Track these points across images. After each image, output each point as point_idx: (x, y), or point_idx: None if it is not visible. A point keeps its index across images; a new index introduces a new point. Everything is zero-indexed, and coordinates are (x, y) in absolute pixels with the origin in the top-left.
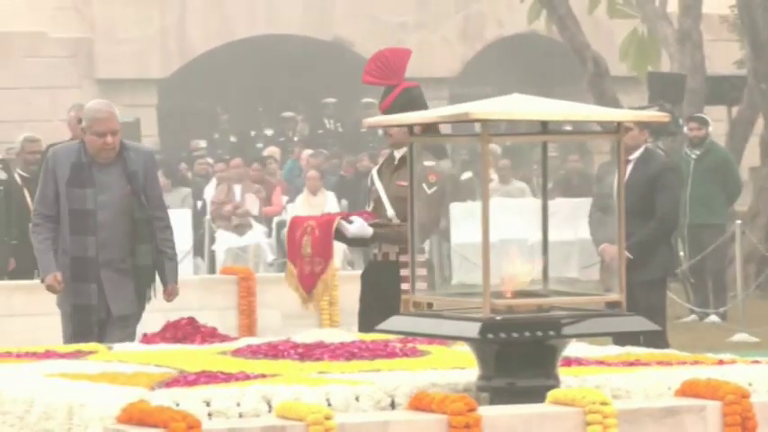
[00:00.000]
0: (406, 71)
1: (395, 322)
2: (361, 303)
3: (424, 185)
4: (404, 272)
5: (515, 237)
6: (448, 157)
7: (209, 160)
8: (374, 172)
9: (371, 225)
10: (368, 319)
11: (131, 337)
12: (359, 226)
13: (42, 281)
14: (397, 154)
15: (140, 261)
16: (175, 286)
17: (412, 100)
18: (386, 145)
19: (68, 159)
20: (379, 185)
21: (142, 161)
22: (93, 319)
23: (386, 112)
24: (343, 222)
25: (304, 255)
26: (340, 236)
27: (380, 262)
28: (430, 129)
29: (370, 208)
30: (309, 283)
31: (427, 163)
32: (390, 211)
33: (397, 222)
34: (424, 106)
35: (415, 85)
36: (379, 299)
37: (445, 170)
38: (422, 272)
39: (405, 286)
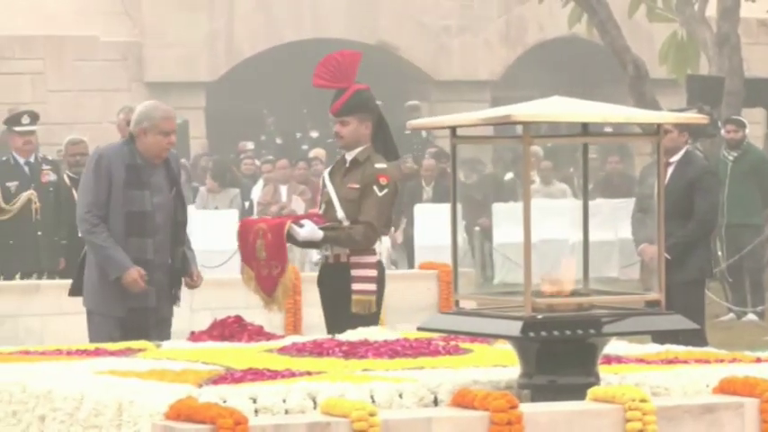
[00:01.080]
0: (356, 73)
1: (438, 321)
2: (322, 307)
3: (375, 188)
4: (354, 272)
5: (556, 237)
6: (400, 157)
7: (257, 162)
8: (326, 174)
9: (322, 228)
10: (330, 322)
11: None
12: (309, 230)
13: (119, 278)
14: (348, 156)
15: (177, 263)
16: (199, 272)
17: (363, 101)
18: (429, 146)
19: (122, 161)
20: (330, 187)
21: (176, 164)
22: (151, 322)
23: (337, 114)
24: (294, 226)
25: (259, 258)
26: (292, 239)
27: (332, 264)
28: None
29: (321, 210)
30: (269, 286)
31: (378, 165)
32: (341, 213)
33: (347, 225)
34: (375, 108)
35: (365, 87)
36: (334, 300)
37: (396, 172)
38: (371, 272)
39: (356, 287)
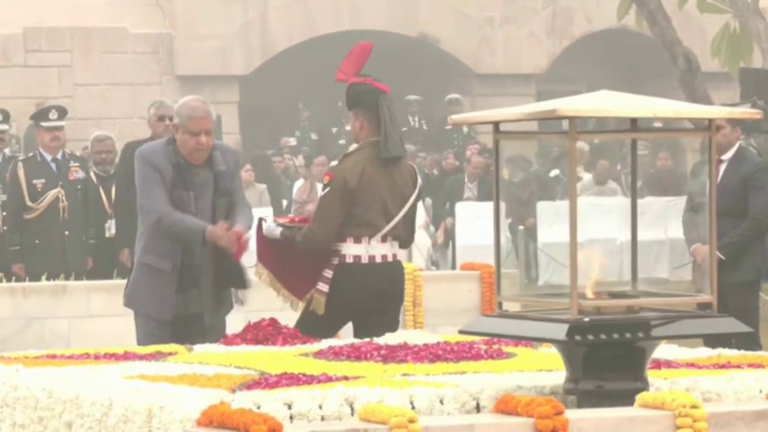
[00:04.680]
0: (361, 67)
1: (480, 324)
2: None
3: (320, 186)
4: (322, 271)
5: (604, 236)
6: (402, 156)
7: (298, 159)
8: None
9: (282, 225)
10: None
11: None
12: (267, 227)
13: (203, 241)
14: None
15: (222, 263)
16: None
17: (354, 96)
18: (470, 141)
19: (168, 160)
20: None
21: (232, 160)
22: (196, 331)
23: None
24: (262, 223)
25: None
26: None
27: None
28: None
29: None
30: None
31: (333, 163)
32: None
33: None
34: (369, 101)
35: (361, 80)
36: None
37: (350, 168)
38: (327, 272)
39: (318, 286)
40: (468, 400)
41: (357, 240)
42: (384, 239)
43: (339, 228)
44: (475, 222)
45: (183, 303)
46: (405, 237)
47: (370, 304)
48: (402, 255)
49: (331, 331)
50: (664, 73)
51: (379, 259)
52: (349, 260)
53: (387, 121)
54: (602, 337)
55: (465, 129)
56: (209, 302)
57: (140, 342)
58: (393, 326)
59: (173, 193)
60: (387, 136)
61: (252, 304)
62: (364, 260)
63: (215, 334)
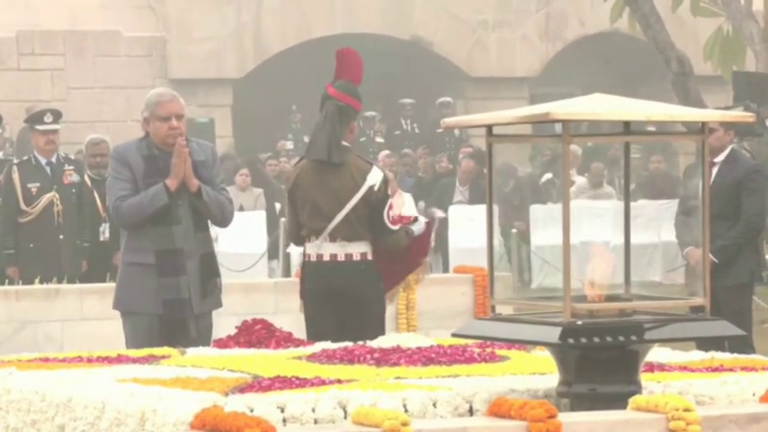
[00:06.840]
0: (337, 74)
1: (473, 327)
2: None
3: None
4: None
5: (597, 239)
6: (327, 160)
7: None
8: None
9: None
10: None
11: (208, 334)
12: None
13: (168, 190)
14: None
15: (204, 249)
16: (195, 182)
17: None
18: (463, 144)
19: (139, 153)
20: None
21: (209, 153)
22: (188, 314)
23: None
24: None
25: None
26: None
27: None
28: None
29: None
30: None
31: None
32: None
33: None
34: (321, 106)
35: (326, 86)
36: None
37: (292, 171)
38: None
39: None
40: (462, 404)
41: (308, 240)
42: (332, 239)
43: (296, 227)
44: (467, 225)
45: (173, 288)
46: (350, 236)
47: (327, 301)
48: None
49: (320, 331)
50: (657, 76)
51: (327, 258)
52: (306, 258)
53: (318, 126)
54: (596, 340)
55: (457, 132)
56: (195, 288)
57: (129, 342)
58: (374, 331)
59: (146, 182)
60: (312, 140)
61: (245, 307)
62: (313, 258)
63: (203, 323)
